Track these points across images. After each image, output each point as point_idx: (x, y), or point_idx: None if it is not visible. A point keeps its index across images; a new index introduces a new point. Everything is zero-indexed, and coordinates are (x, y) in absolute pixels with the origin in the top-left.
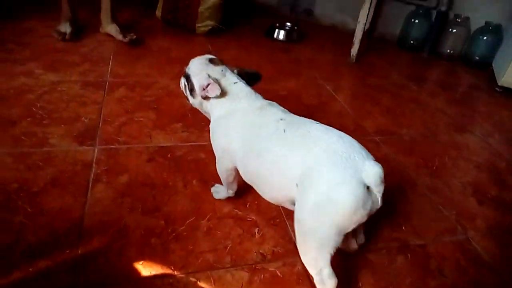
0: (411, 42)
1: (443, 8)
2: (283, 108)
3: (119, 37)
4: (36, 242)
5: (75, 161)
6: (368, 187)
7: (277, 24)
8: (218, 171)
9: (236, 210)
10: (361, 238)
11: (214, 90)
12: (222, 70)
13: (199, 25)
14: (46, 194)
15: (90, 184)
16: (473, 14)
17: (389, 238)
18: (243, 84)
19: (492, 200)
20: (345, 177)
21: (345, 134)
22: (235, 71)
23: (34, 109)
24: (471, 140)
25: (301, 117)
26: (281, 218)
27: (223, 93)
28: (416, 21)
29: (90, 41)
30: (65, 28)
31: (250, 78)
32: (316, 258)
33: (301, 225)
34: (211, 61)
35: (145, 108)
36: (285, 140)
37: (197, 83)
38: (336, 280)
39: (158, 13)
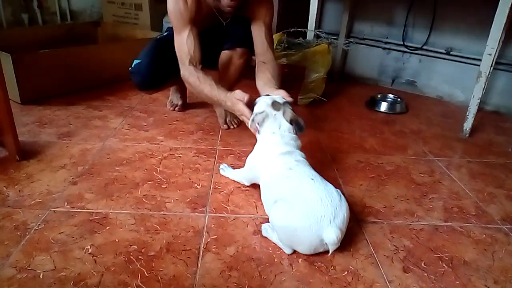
0: None
1: None
2: (301, 159)
3: (220, 121)
4: None
5: (187, 227)
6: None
7: (379, 95)
8: (241, 174)
9: None
10: None
11: (255, 130)
12: (275, 115)
13: (301, 97)
14: (161, 259)
15: (201, 253)
16: None
17: None
18: (283, 132)
19: None
20: (308, 231)
21: (336, 194)
22: (290, 117)
23: (155, 173)
24: None
25: (311, 170)
26: None
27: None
28: None
29: (203, 111)
30: (176, 99)
31: (298, 127)
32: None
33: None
34: (273, 104)
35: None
36: (282, 185)
37: (252, 116)
38: None
39: None
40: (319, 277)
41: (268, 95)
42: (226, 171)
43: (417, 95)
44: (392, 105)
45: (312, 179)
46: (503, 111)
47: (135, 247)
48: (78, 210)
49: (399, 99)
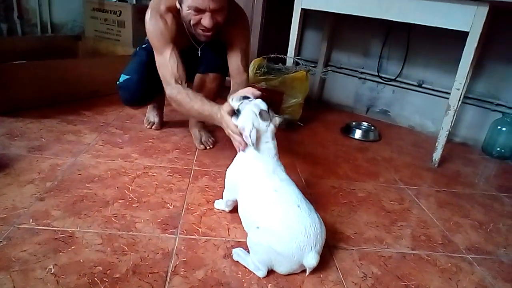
0: (498, 149)
1: None
2: (285, 177)
3: (196, 142)
4: None
5: (156, 249)
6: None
7: (354, 123)
8: (223, 195)
9: None
10: None
11: (247, 143)
12: (266, 126)
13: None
14: (126, 282)
15: (169, 276)
16: None
17: None
18: (272, 145)
19: None
20: (290, 259)
21: (318, 221)
22: (277, 123)
23: (126, 192)
24: None
25: (295, 191)
26: None
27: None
28: (504, 128)
29: (181, 130)
30: (153, 117)
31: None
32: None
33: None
34: (261, 114)
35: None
36: (267, 209)
37: (241, 125)
38: None
39: None
40: None
41: (246, 97)
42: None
43: (390, 124)
44: (366, 132)
45: (298, 206)
46: (470, 143)
47: (100, 268)
48: (43, 227)
49: (372, 127)
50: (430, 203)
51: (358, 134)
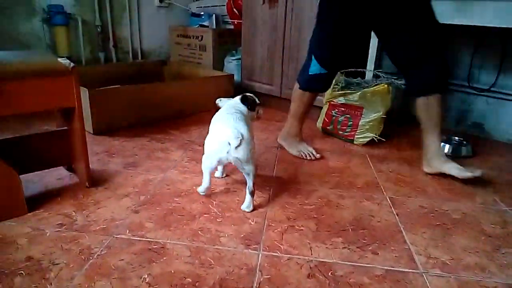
0: None
1: None
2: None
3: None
4: None
5: (240, 264)
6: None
7: (443, 137)
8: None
9: None
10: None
11: None
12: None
13: (358, 136)
14: None
15: None
16: None
17: None
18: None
19: None
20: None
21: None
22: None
23: (211, 206)
24: None
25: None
26: None
27: None
28: None
29: (259, 148)
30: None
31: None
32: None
33: None
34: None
35: (305, 216)
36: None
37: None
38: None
39: (319, 124)
40: None
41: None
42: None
43: (485, 138)
44: (457, 147)
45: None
46: None
47: (189, 280)
48: (138, 238)
49: (464, 142)
50: None
51: (447, 149)
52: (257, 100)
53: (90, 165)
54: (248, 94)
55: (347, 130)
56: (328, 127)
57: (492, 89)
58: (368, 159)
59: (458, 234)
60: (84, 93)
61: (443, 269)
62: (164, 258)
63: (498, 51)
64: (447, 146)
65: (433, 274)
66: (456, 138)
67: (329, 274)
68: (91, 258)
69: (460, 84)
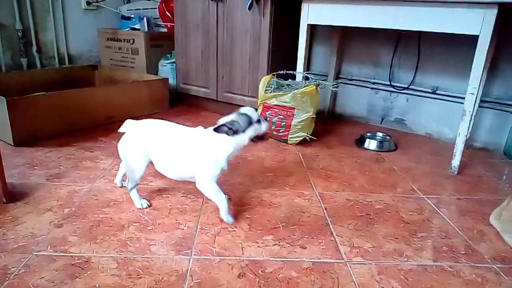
0: None
1: None
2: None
3: None
4: None
5: (171, 271)
6: None
7: (368, 134)
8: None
9: None
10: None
11: None
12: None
13: (291, 136)
14: None
15: None
16: None
17: None
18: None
19: None
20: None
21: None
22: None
23: (141, 215)
24: None
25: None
26: None
27: None
28: None
29: None
30: None
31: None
32: None
33: None
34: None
35: (238, 218)
36: None
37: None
38: None
39: None
40: None
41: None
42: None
43: (407, 133)
44: (381, 143)
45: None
46: (491, 148)
47: None
48: (61, 253)
49: (388, 137)
50: (451, 212)
51: (373, 145)
52: (251, 115)
53: (7, 179)
54: (242, 111)
55: (281, 130)
56: None
57: (410, 87)
58: (301, 157)
59: (379, 223)
60: (1, 102)
61: (365, 257)
62: (89, 272)
63: (414, 52)
64: (372, 142)
65: (356, 263)
66: (380, 134)
67: (259, 272)
68: (7, 279)
69: (383, 83)
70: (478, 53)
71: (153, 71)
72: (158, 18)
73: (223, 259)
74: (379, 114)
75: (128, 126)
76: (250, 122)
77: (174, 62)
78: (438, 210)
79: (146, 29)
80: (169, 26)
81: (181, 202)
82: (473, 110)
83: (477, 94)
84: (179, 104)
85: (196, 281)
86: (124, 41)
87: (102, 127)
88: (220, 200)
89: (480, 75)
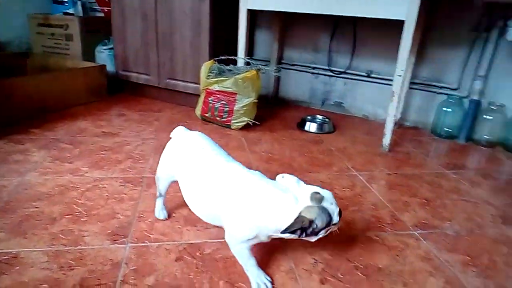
0: (446, 129)
1: (475, 97)
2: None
3: None
4: None
5: (105, 260)
6: None
7: (309, 117)
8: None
9: None
10: None
11: None
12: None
13: (234, 121)
14: None
15: (117, 286)
16: (509, 102)
17: None
18: None
19: None
20: None
21: None
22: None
23: (75, 206)
24: None
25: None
26: None
27: None
28: (449, 109)
29: (135, 140)
30: None
31: None
32: None
33: None
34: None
35: (179, 203)
36: None
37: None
38: None
39: (198, 112)
40: None
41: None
42: None
43: (345, 116)
44: (320, 125)
45: None
46: (420, 126)
47: (46, 286)
48: None
49: (327, 120)
50: (380, 187)
51: (313, 127)
52: (333, 215)
53: None
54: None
55: (224, 116)
56: (206, 114)
57: (347, 71)
58: (244, 141)
59: None
60: None
61: None
62: (17, 268)
63: (350, 37)
64: (312, 125)
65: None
66: (320, 117)
67: (197, 254)
68: None
69: (322, 68)
70: (404, 38)
71: (90, 58)
72: (94, 2)
73: (161, 244)
74: (319, 98)
75: (177, 133)
76: (328, 224)
77: (112, 48)
78: (369, 186)
79: (81, 13)
80: (106, 10)
81: (118, 191)
82: (401, 92)
83: (404, 76)
84: (119, 92)
85: (132, 268)
86: (57, 27)
87: (35, 119)
88: (250, 271)
89: (406, 58)
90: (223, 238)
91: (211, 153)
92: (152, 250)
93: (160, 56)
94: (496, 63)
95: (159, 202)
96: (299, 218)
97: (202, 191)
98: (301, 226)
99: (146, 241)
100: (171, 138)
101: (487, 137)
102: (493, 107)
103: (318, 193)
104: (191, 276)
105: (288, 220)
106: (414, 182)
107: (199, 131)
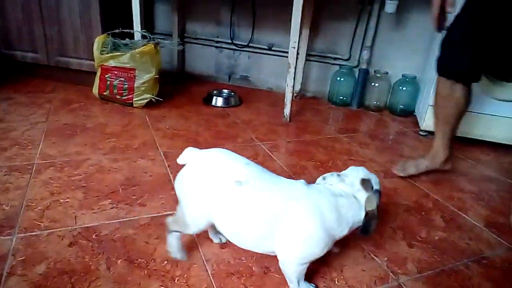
0: (340, 98)
1: (364, 66)
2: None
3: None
4: None
5: None
6: None
7: (215, 91)
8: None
9: (163, 287)
10: None
11: None
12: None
13: (136, 99)
14: None
15: (3, 279)
16: (391, 69)
17: None
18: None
19: (422, 242)
20: None
21: None
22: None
23: None
24: (400, 184)
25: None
26: None
27: None
28: (342, 79)
29: (23, 124)
30: None
31: None
32: None
33: None
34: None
35: (72, 188)
36: None
37: None
38: None
39: (95, 90)
40: (137, 273)
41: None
42: None
43: (251, 89)
44: (226, 99)
45: None
46: (319, 96)
47: None
48: None
49: (233, 93)
50: (281, 154)
51: (219, 101)
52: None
53: None
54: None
55: (124, 94)
56: (105, 93)
57: (250, 44)
58: (148, 119)
59: None
60: None
61: None
62: None
63: (250, 11)
64: (219, 99)
65: None
66: (226, 91)
67: (94, 236)
68: None
69: (226, 42)
70: (295, 11)
71: None
72: None
73: (53, 232)
74: (225, 72)
75: (191, 157)
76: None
77: None
78: (270, 154)
79: None
80: None
81: (3, 181)
82: (297, 63)
83: (298, 48)
84: (4, 74)
85: (19, 259)
86: None
87: None
88: (300, 285)
89: (298, 30)
90: (122, 218)
91: (256, 172)
92: (42, 238)
93: (47, 31)
94: (380, 34)
95: (176, 239)
96: (370, 213)
97: (255, 219)
98: (375, 218)
99: (36, 230)
100: (181, 164)
101: (375, 103)
102: (378, 75)
103: (365, 179)
104: (86, 259)
105: (358, 220)
106: (311, 148)
107: (219, 148)
